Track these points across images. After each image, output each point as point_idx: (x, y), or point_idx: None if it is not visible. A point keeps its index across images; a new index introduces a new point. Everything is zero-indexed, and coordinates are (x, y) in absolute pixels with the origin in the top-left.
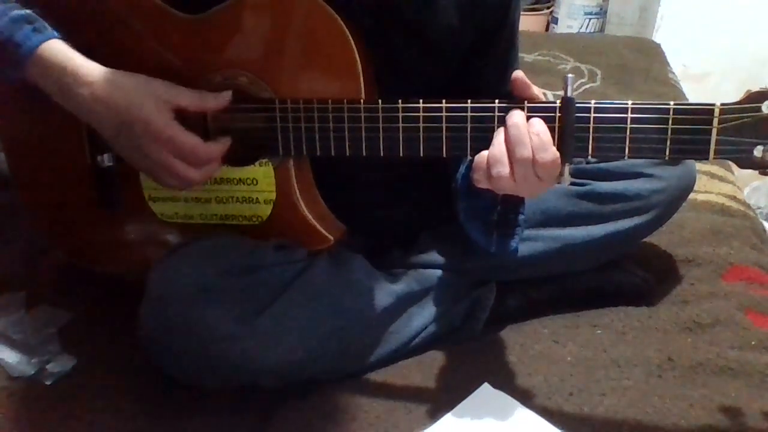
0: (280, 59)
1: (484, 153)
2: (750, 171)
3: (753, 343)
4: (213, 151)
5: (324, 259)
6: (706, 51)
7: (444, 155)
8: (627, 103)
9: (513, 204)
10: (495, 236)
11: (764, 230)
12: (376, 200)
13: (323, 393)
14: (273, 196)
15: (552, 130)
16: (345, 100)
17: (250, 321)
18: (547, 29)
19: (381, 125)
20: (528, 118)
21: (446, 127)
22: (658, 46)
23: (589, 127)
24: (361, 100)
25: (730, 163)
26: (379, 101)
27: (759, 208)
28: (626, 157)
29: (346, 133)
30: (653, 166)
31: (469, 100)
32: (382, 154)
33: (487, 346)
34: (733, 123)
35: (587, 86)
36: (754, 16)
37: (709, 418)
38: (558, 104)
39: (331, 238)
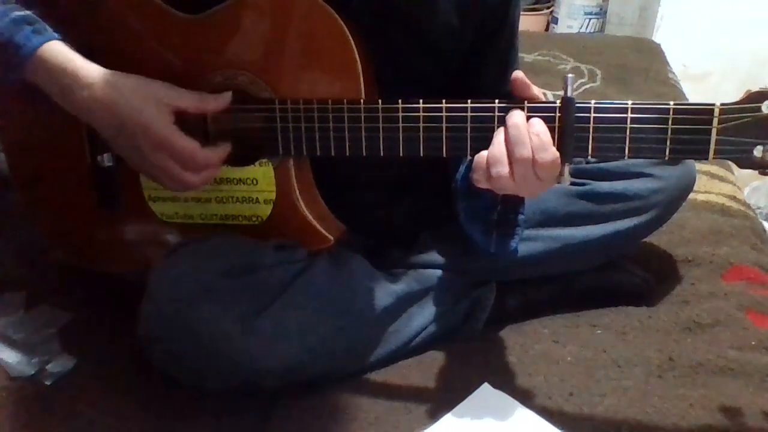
0: (280, 59)
1: (484, 153)
2: (750, 171)
3: (753, 343)
4: (211, 156)
5: (324, 259)
6: (706, 51)
7: (444, 155)
8: (627, 103)
9: (513, 204)
10: (495, 236)
11: (764, 230)
12: (376, 200)
13: (323, 393)
14: (273, 196)
15: (552, 130)
16: (345, 100)
17: (250, 321)
18: (547, 29)
19: (381, 125)
20: (528, 118)
21: (446, 127)
22: (658, 46)
23: (589, 127)
24: (361, 100)
25: (730, 163)
26: (379, 101)
27: (759, 208)
28: (626, 157)
29: (346, 133)
30: (653, 165)
31: (469, 100)
32: (382, 154)
33: (487, 346)
34: (733, 123)
35: (587, 86)
36: (754, 16)
37: (709, 418)
38: (558, 104)
39: (331, 238)
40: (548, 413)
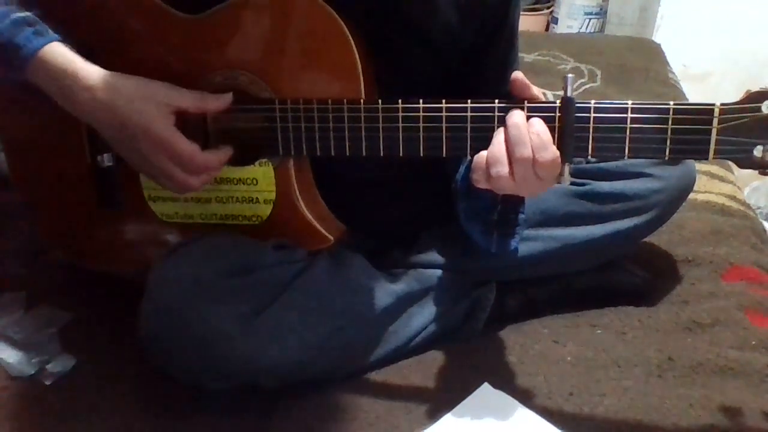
0: (280, 59)
1: (483, 153)
2: (750, 171)
3: (753, 343)
4: (211, 160)
5: (324, 259)
6: (706, 51)
7: (444, 155)
8: (627, 103)
9: (513, 204)
10: (495, 236)
11: (764, 230)
12: (376, 200)
13: (323, 393)
14: (273, 196)
15: (552, 130)
16: (345, 100)
17: (249, 321)
18: (547, 29)
19: (381, 125)
20: (528, 118)
21: (446, 127)
22: (658, 46)
23: (589, 127)
24: (361, 100)
25: (730, 163)
26: (379, 101)
27: (759, 208)
28: (626, 157)
29: (346, 133)
30: (653, 165)
31: (468, 100)
32: (381, 154)
33: (487, 346)
34: (733, 123)
35: (587, 86)
36: (755, 16)
37: (709, 417)
38: (558, 104)
39: (331, 238)
40: (548, 413)
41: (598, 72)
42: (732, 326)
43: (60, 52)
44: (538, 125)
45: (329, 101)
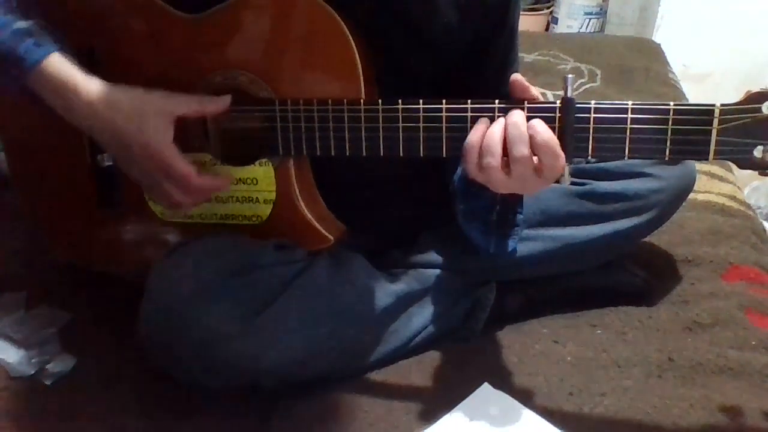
0: (280, 59)
1: (476, 139)
2: (750, 171)
3: (753, 343)
4: (205, 184)
5: (324, 258)
6: (706, 51)
7: (444, 155)
8: (627, 104)
9: (511, 204)
10: (493, 236)
11: (764, 230)
12: (376, 200)
13: (323, 393)
14: (273, 195)
15: (552, 130)
16: (345, 100)
17: (250, 321)
18: (547, 29)
19: (381, 125)
20: (528, 118)
21: (446, 127)
22: (658, 46)
23: (589, 128)
24: (361, 100)
25: (730, 163)
26: (379, 101)
27: (759, 208)
28: (626, 158)
29: (346, 133)
30: (653, 165)
31: (469, 101)
32: (382, 154)
33: (487, 346)
34: (733, 123)
35: (587, 86)
36: (755, 16)
37: (709, 417)
38: (558, 104)
39: (331, 238)
40: (548, 413)
41: (598, 72)
42: (732, 326)
43: (60, 64)
44: (539, 126)
45: (329, 101)
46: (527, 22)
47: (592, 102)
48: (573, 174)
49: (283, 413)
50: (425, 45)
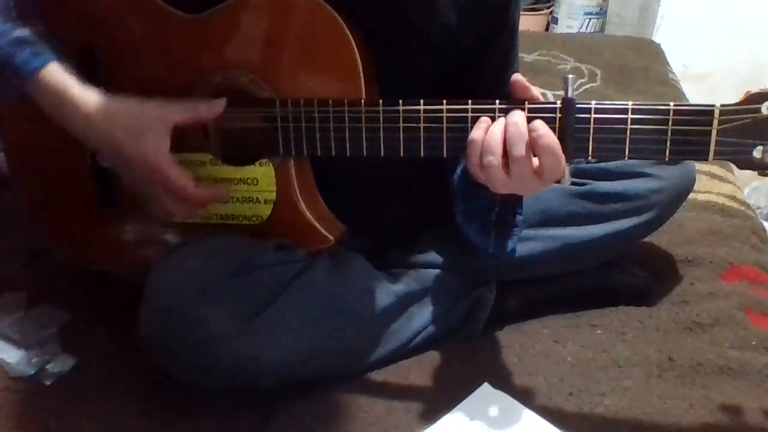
0: (280, 59)
1: (479, 136)
2: (750, 171)
3: (753, 343)
4: (200, 195)
5: (324, 259)
6: (706, 51)
7: (444, 156)
8: (627, 104)
9: (511, 205)
10: (492, 237)
11: (764, 230)
12: (376, 200)
13: (323, 393)
14: (273, 196)
15: (552, 130)
16: (346, 101)
17: (249, 321)
18: (547, 29)
19: (382, 125)
20: (529, 119)
21: (447, 127)
22: (658, 46)
23: (589, 128)
24: (362, 101)
25: (730, 163)
26: (380, 101)
27: (759, 208)
28: (626, 158)
29: (347, 133)
30: (653, 165)
31: (469, 101)
32: (382, 155)
33: (487, 346)
34: (732, 124)
35: (587, 86)
36: (755, 16)
37: (709, 417)
38: (558, 105)
39: (332, 238)
40: (548, 413)
41: (598, 72)
42: (732, 326)
43: (58, 74)
44: (542, 128)
45: (330, 101)
46: (527, 22)
47: (593, 102)
48: (573, 174)
49: (283, 413)
50: (425, 45)
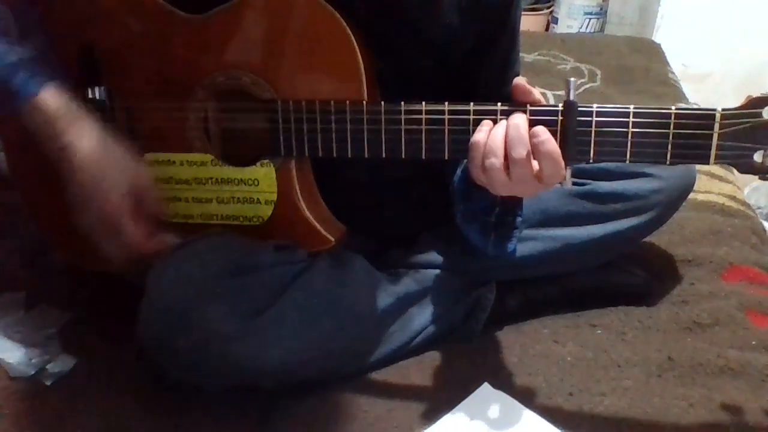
0: (282, 60)
1: (481, 138)
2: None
3: (753, 343)
4: (149, 248)
5: (324, 259)
6: (706, 51)
7: (446, 157)
8: (629, 108)
9: (511, 206)
10: (492, 238)
11: (764, 230)
12: (376, 201)
13: (323, 393)
14: (274, 197)
15: (554, 133)
16: (347, 102)
17: (250, 321)
18: (547, 29)
19: (383, 127)
20: (531, 122)
21: (449, 129)
22: (658, 46)
23: (590, 131)
24: (364, 102)
25: None
26: (382, 103)
27: (759, 208)
28: (627, 161)
29: (348, 134)
30: (653, 166)
31: (471, 103)
32: (384, 156)
33: (487, 346)
34: (733, 128)
35: (587, 86)
36: (755, 16)
37: (709, 417)
38: (560, 108)
39: (332, 239)
40: (548, 413)
41: (598, 72)
42: (732, 326)
43: (52, 102)
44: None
45: (331, 102)
46: (527, 22)
47: (594, 106)
48: (573, 174)
49: (283, 413)
50: (426, 46)
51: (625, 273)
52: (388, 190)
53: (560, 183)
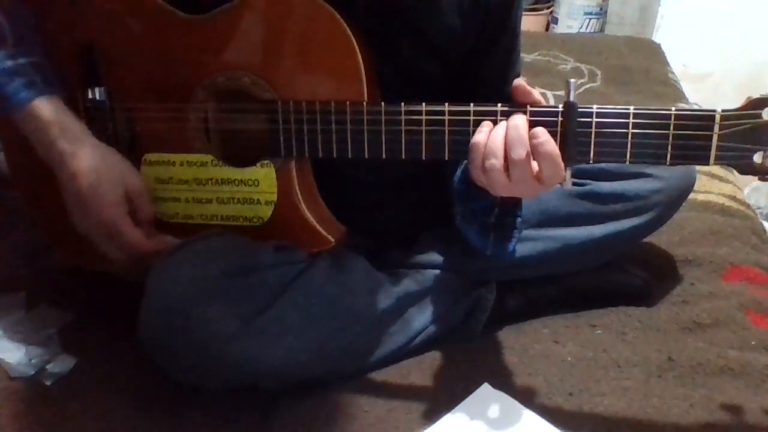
0: (282, 61)
1: (482, 140)
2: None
3: (753, 343)
4: (149, 248)
5: (324, 259)
6: (706, 51)
7: (446, 158)
8: (629, 109)
9: (510, 207)
10: (491, 239)
11: (764, 230)
12: (376, 201)
13: (323, 393)
14: (274, 197)
15: (554, 134)
16: (347, 103)
17: (250, 322)
18: (547, 29)
19: (383, 128)
20: (532, 123)
21: (449, 130)
22: (658, 46)
23: (591, 132)
24: (364, 103)
25: None
26: (382, 104)
27: (759, 208)
28: (627, 162)
29: (348, 135)
30: (653, 166)
31: (471, 104)
32: (384, 157)
33: (487, 346)
34: (733, 129)
35: (587, 86)
36: (755, 16)
37: (709, 417)
38: (560, 109)
39: (332, 239)
40: (548, 413)
41: (598, 72)
42: (732, 326)
43: (45, 110)
44: (543, 136)
45: (332, 103)
46: (527, 22)
47: (594, 107)
48: (573, 174)
49: (283, 413)
50: (427, 46)
51: (625, 273)
52: (388, 190)
53: (560, 184)
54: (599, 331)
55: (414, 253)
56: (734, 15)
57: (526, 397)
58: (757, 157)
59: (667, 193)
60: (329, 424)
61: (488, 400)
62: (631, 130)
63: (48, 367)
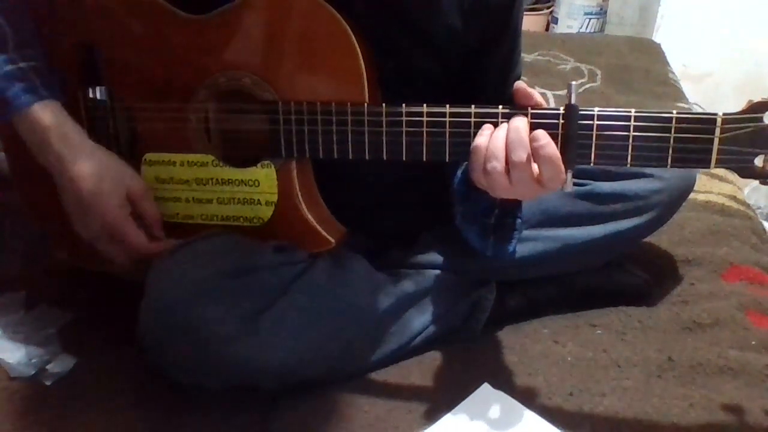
0: (283, 62)
1: (483, 142)
2: None
3: (753, 343)
4: (152, 250)
5: (324, 260)
6: (706, 51)
7: (447, 160)
8: (630, 111)
9: (510, 208)
10: (491, 240)
11: (764, 230)
12: (376, 201)
13: (323, 393)
14: (274, 198)
15: (555, 137)
16: (348, 104)
17: (250, 322)
18: (547, 29)
19: (384, 129)
20: (533, 125)
21: (450, 132)
22: (658, 46)
23: (591, 134)
24: (365, 104)
25: None
26: (383, 105)
27: (759, 208)
28: (628, 165)
29: (349, 136)
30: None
31: (472, 106)
32: (385, 158)
33: (487, 346)
34: (734, 133)
35: (587, 86)
36: (755, 16)
37: (709, 417)
38: (561, 111)
39: (332, 240)
40: (548, 413)
41: (598, 72)
42: (732, 326)
43: (45, 115)
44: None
45: (333, 104)
46: (527, 22)
47: (596, 109)
48: (573, 174)
49: (283, 413)
50: (428, 47)
51: (625, 273)
52: (388, 190)
53: (561, 187)
54: (599, 331)
55: (414, 253)
56: (734, 15)
57: (526, 397)
58: (758, 161)
59: (667, 193)
60: (329, 424)
61: (488, 400)
62: (632, 134)
63: (48, 367)
